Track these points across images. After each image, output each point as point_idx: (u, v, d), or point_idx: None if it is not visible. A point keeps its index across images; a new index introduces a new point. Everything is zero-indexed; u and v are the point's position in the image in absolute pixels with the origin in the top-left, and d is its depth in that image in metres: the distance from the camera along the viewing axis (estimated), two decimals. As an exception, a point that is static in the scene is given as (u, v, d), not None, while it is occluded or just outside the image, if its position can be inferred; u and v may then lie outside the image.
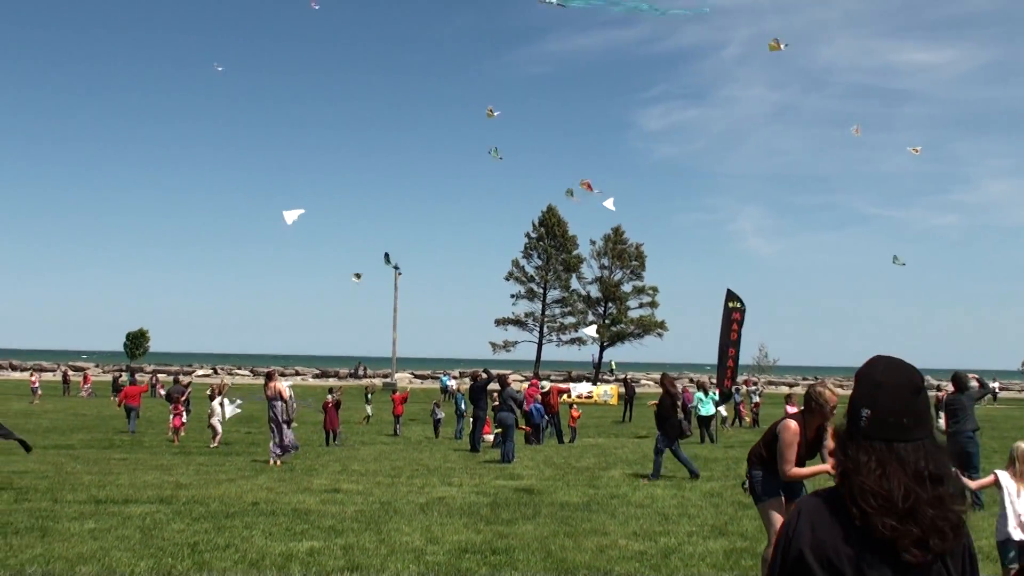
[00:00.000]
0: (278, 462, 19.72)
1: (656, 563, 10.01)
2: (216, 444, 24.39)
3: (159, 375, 67.75)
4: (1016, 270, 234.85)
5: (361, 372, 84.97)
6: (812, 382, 45.34)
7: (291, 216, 26.86)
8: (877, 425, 2.50)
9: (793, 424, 7.78)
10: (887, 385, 2.54)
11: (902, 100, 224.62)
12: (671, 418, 18.53)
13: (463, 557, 10.25)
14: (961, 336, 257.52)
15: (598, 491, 16.11)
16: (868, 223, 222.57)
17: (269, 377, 21.02)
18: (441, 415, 30.17)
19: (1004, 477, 8.28)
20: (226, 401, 26.24)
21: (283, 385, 20.79)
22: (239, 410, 24.93)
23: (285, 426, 20.16)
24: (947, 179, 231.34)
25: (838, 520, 2.47)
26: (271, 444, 20.23)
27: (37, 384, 51.08)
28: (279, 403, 20.23)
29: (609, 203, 33.12)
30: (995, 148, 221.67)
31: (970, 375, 15.37)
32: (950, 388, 15.67)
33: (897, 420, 2.50)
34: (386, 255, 51.12)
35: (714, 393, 29.49)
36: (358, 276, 40.59)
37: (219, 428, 25.05)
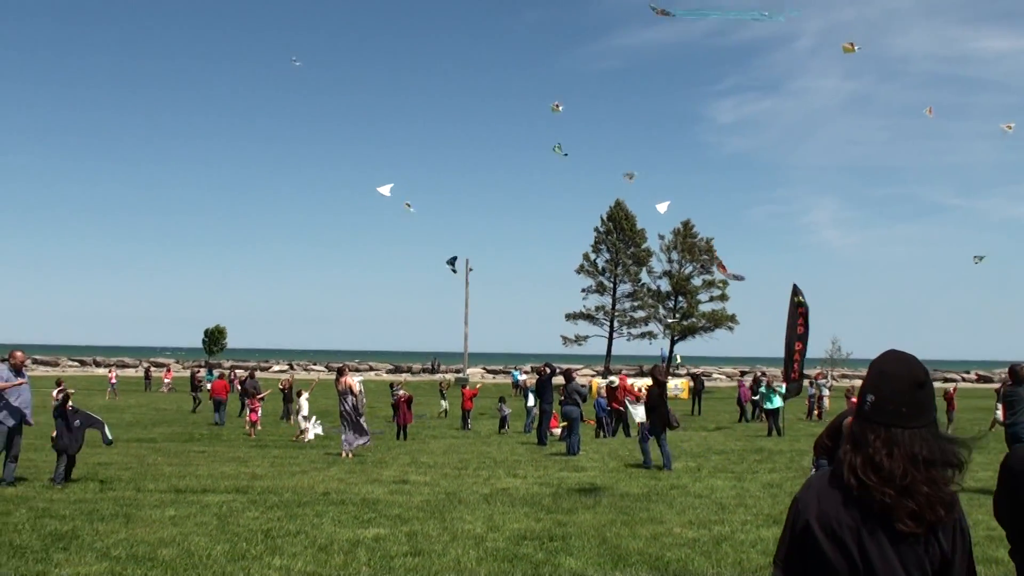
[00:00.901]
0: (350, 454, 20.41)
1: (707, 550, 10.34)
2: (304, 439, 25.20)
3: (236, 371, 69.23)
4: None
5: (437, 367, 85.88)
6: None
7: (385, 189, 28.57)
8: (878, 410, 2.83)
9: None
10: (890, 375, 2.87)
11: (979, 88, 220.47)
12: (659, 408, 18.84)
13: (521, 543, 10.68)
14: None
15: (659, 482, 16.42)
16: (945, 214, 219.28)
17: (340, 372, 21.62)
18: (508, 411, 30.53)
19: None
20: (304, 402, 27.21)
21: (354, 380, 21.40)
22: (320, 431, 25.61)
23: (358, 419, 20.80)
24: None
25: (841, 494, 2.80)
26: (342, 437, 20.92)
27: (115, 380, 52.81)
28: (350, 397, 20.88)
29: (662, 207, 33.26)
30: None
31: None
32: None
33: (896, 408, 2.82)
34: (451, 260, 51.35)
35: (780, 386, 29.51)
36: (408, 205, 41.46)
37: (305, 425, 25.92)
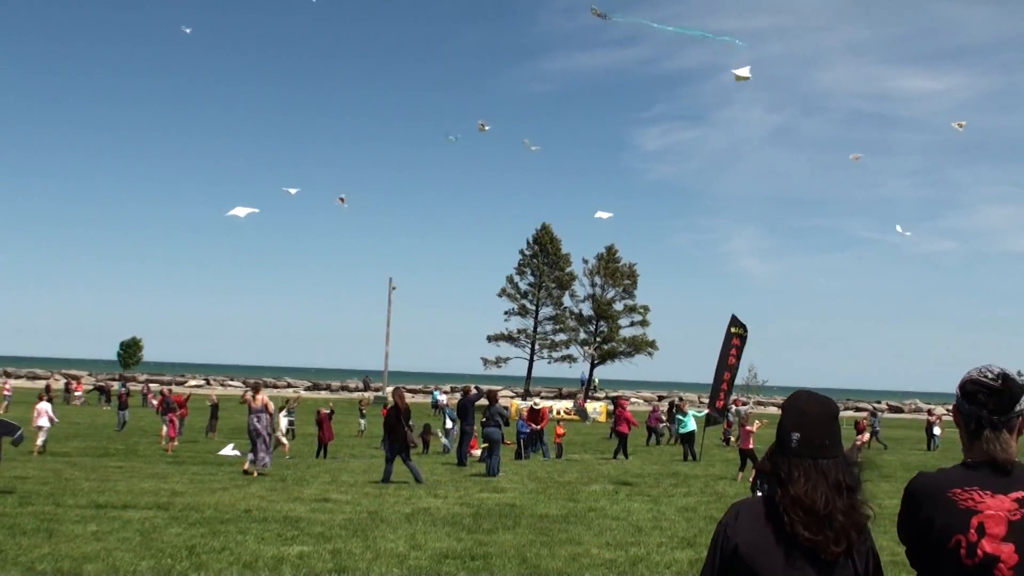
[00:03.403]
0: (255, 472, 20.15)
1: (624, 570, 10.70)
2: (286, 454, 25.56)
3: (151, 384, 68.18)
4: (1012, 296, 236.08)
5: (369, 385, 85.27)
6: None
7: (242, 212, 27.93)
8: (805, 445, 3.17)
9: None
10: (811, 413, 3.22)
11: (900, 126, 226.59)
12: (397, 429, 19.89)
13: (443, 562, 10.94)
14: (956, 359, 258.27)
15: (577, 504, 16.78)
16: (864, 247, 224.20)
17: (256, 389, 21.48)
18: (444, 437, 30.85)
19: None
20: (283, 416, 27.36)
21: (268, 399, 21.36)
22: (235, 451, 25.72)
23: (268, 438, 20.69)
24: (944, 205, 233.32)
25: (770, 522, 3.12)
26: (249, 454, 20.83)
27: (10, 391, 50.93)
28: (264, 415, 20.71)
29: (602, 214, 33.69)
30: (992, 175, 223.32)
31: None
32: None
33: (821, 441, 3.16)
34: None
35: (697, 411, 30.11)
36: (342, 200, 41.22)
37: (284, 440, 26.23)
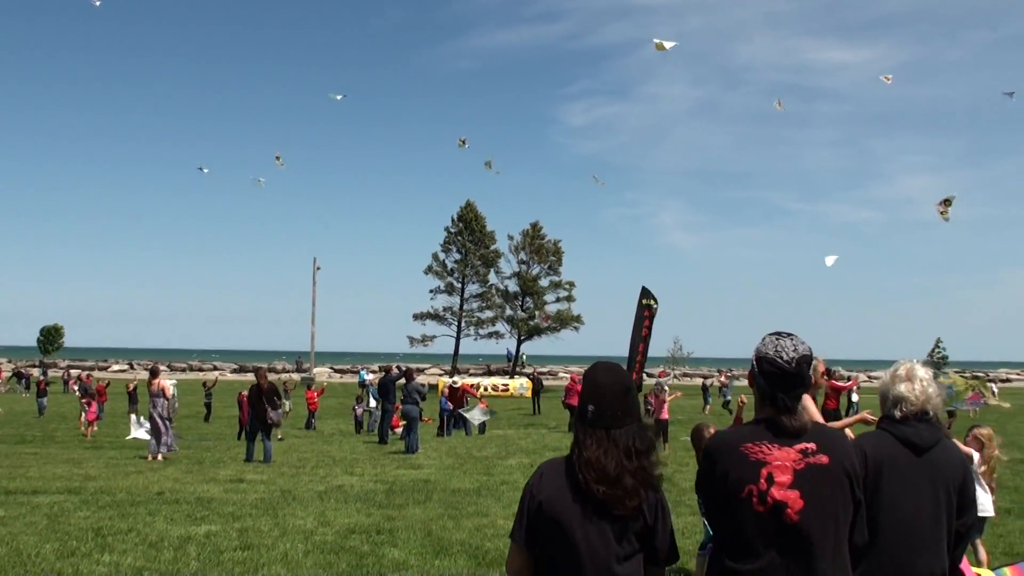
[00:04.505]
0: (159, 456, 19.82)
1: (526, 540, 10.99)
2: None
3: (71, 370, 67.18)
4: (930, 264, 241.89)
5: (302, 366, 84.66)
6: (731, 374, 47.39)
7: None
8: (599, 416, 3.52)
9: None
10: (606, 386, 3.58)
11: (820, 98, 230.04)
12: (258, 407, 20.05)
13: (349, 537, 11.17)
14: (877, 327, 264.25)
15: (491, 478, 17.09)
16: (789, 218, 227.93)
17: (153, 374, 21.13)
18: (361, 410, 30.73)
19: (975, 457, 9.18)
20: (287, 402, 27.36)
21: (167, 383, 21.02)
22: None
23: (166, 423, 20.33)
24: (865, 175, 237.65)
25: (569, 480, 3.48)
26: (151, 440, 20.46)
27: None
28: (161, 400, 20.28)
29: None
30: (910, 145, 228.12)
31: None
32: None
33: (613, 412, 3.52)
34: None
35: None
36: (278, 158, 40.22)
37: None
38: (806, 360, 3.51)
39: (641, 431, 3.53)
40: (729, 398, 43.86)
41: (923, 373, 4.24)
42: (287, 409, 38.03)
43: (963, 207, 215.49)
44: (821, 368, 8.80)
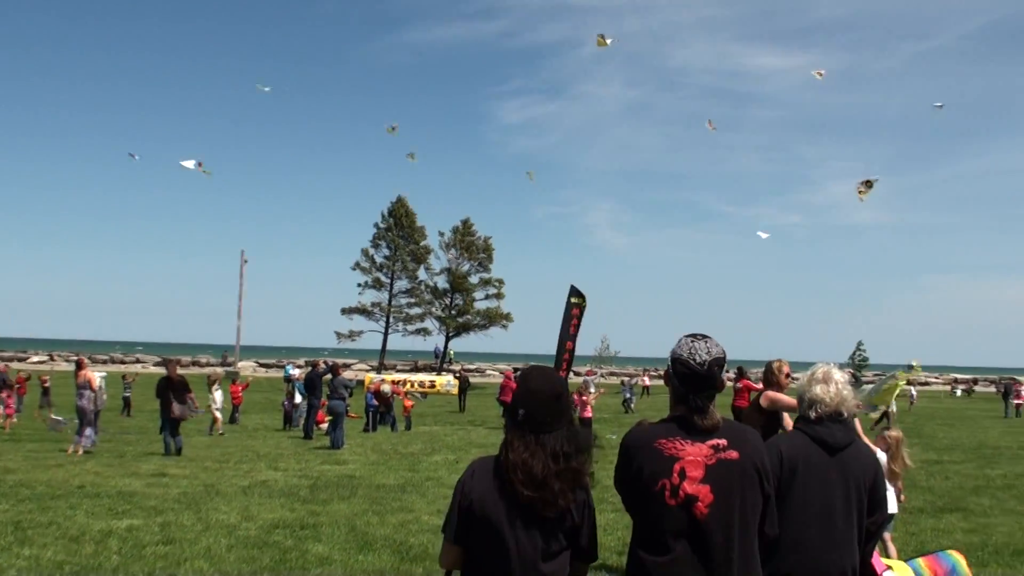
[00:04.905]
0: (79, 450, 19.43)
1: (449, 535, 11.11)
2: (220, 430, 25.90)
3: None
4: (854, 269, 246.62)
5: (228, 360, 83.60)
6: (655, 373, 48.14)
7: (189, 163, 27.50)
8: (528, 421, 3.66)
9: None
10: (536, 392, 3.71)
11: (751, 103, 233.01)
12: (165, 400, 20.01)
13: (273, 532, 11.20)
14: (801, 329, 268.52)
15: (416, 474, 17.19)
16: (718, 220, 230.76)
17: (79, 365, 20.78)
18: (290, 405, 30.46)
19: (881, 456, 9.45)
20: (219, 392, 27.00)
21: (93, 374, 20.59)
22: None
23: (92, 415, 19.96)
24: (793, 180, 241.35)
25: (498, 480, 3.61)
26: (76, 433, 20.14)
27: None
28: (87, 391, 19.84)
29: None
30: (838, 152, 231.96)
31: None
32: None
33: (543, 417, 3.66)
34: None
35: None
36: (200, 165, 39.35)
37: (219, 415, 26.50)
38: (718, 363, 3.68)
39: (571, 434, 3.66)
40: (630, 396, 44.22)
41: (839, 376, 4.46)
42: (217, 404, 37.75)
43: (887, 213, 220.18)
44: (786, 369, 9.03)
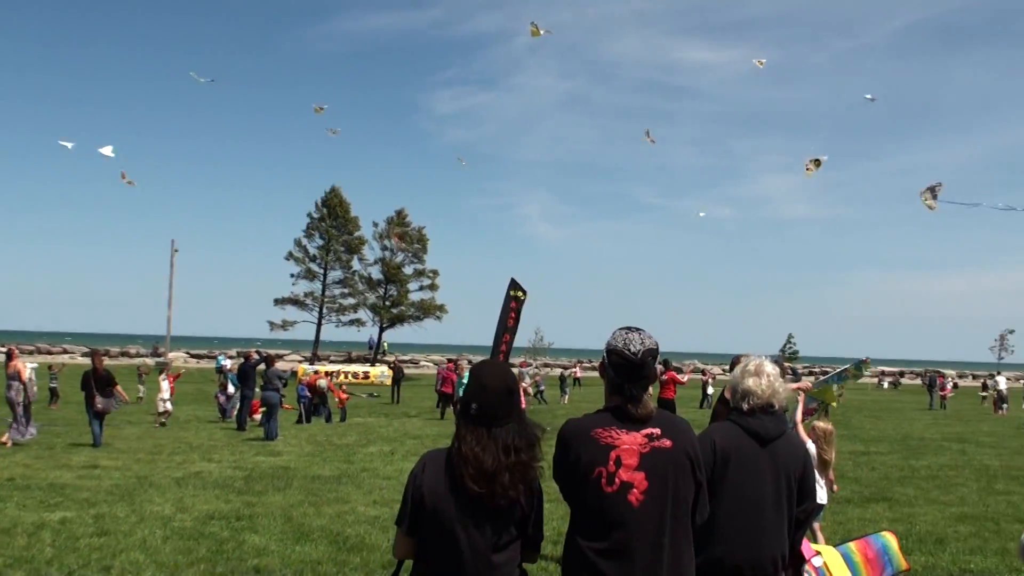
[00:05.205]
0: (8, 442, 19.12)
1: (386, 525, 11.19)
2: (165, 421, 25.54)
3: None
4: (785, 261, 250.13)
5: (159, 352, 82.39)
6: (588, 364, 48.73)
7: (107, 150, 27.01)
8: (481, 415, 3.74)
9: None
10: (489, 387, 3.79)
11: (685, 96, 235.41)
12: (88, 391, 19.88)
13: (208, 523, 11.18)
14: (734, 321, 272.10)
15: (352, 465, 17.20)
16: (651, 212, 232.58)
17: (9, 356, 20.46)
18: (224, 397, 30.14)
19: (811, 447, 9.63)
20: (165, 382, 26.58)
21: (23, 365, 20.19)
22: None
23: (23, 407, 19.56)
24: (725, 173, 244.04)
25: (449, 473, 3.70)
26: (9, 425, 19.75)
27: None
28: (16, 383, 19.49)
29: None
30: (770, 145, 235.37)
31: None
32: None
33: (495, 411, 3.74)
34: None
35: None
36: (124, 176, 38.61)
37: (169, 406, 26.19)
38: (651, 353, 3.83)
39: (522, 428, 3.76)
40: (543, 388, 44.33)
41: (771, 369, 4.63)
42: (141, 394, 37.35)
43: (817, 207, 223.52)
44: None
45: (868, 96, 29.92)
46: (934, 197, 19.69)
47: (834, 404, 12.94)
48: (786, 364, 17.20)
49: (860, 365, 11.30)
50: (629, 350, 3.81)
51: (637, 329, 3.91)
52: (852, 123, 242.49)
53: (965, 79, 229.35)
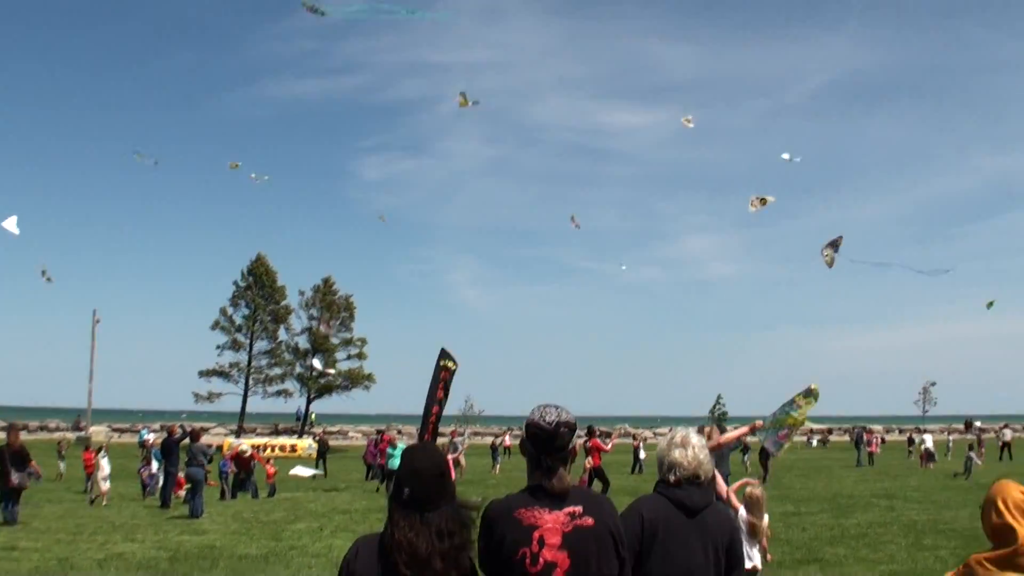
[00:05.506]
0: None
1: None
2: (106, 501, 24.76)
3: None
4: (712, 321, 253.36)
5: (80, 425, 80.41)
6: (519, 432, 48.71)
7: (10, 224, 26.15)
8: (414, 500, 3.74)
9: None
10: (421, 471, 3.80)
11: (610, 159, 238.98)
12: (2, 468, 19.46)
13: (132, 608, 10.93)
14: (665, 383, 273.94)
15: (280, 543, 16.93)
16: (579, 276, 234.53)
17: None
18: (148, 473, 29.53)
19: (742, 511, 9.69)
20: (105, 459, 25.81)
21: None
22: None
23: None
24: (651, 235, 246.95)
25: (382, 559, 3.69)
26: None
27: None
28: None
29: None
30: (693, 206, 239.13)
31: None
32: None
33: (427, 495, 3.74)
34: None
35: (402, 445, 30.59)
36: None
37: (105, 485, 25.57)
38: (567, 425, 3.94)
39: (455, 512, 3.77)
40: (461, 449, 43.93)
41: (696, 440, 4.73)
42: (61, 471, 36.41)
43: (743, 266, 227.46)
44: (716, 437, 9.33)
45: (785, 156, 30.50)
46: (835, 251, 20.25)
47: (802, 423, 13.03)
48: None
49: (808, 394, 11.47)
50: (544, 420, 3.92)
51: (555, 405, 4.03)
52: (772, 182, 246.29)
53: (878, 136, 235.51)
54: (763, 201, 21.83)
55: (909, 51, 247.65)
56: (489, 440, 61.25)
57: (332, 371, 69.46)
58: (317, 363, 54.87)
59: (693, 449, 4.65)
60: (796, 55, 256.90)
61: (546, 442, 3.89)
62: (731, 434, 13.65)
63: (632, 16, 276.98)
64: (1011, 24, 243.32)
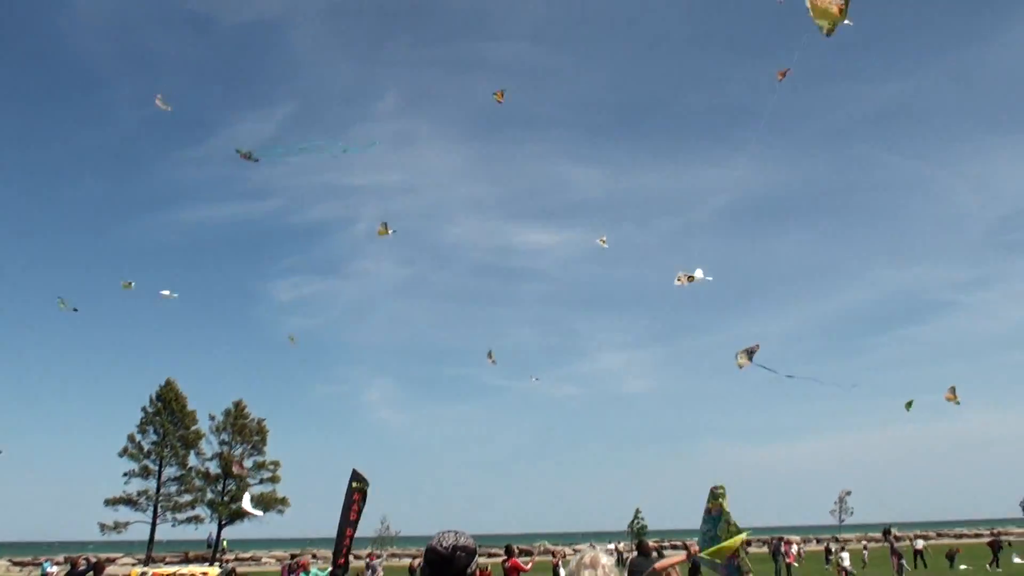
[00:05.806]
0: None
1: None
2: None
3: None
4: (631, 435, 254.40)
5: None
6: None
7: None
8: None
9: None
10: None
11: (523, 278, 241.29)
12: None
13: None
14: (584, 499, 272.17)
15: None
16: (495, 394, 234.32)
17: None
18: None
19: None
20: None
21: None
22: None
23: None
24: (567, 351, 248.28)
25: None
26: None
27: None
28: None
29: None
30: (607, 323, 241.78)
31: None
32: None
33: None
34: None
35: (321, 569, 30.06)
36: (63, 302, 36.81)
37: None
38: (463, 549, 4.01)
39: None
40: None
41: (606, 560, 4.79)
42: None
43: (658, 381, 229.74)
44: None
45: (698, 273, 31.13)
46: (749, 358, 20.65)
47: (738, 531, 13.05)
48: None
49: (714, 495, 11.54)
50: (441, 545, 4.00)
51: (454, 531, 4.09)
52: (684, 298, 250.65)
53: (785, 252, 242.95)
54: (690, 278, 22.17)
55: (808, 171, 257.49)
56: (407, 562, 60.15)
57: (260, 512, 67.72)
58: (247, 504, 53.48)
59: (602, 569, 4.71)
60: (702, 175, 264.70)
61: (440, 566, 3.95)
62: (668, 560, 13.65)
63: (540, 140, 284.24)
64: (901, 146, 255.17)
